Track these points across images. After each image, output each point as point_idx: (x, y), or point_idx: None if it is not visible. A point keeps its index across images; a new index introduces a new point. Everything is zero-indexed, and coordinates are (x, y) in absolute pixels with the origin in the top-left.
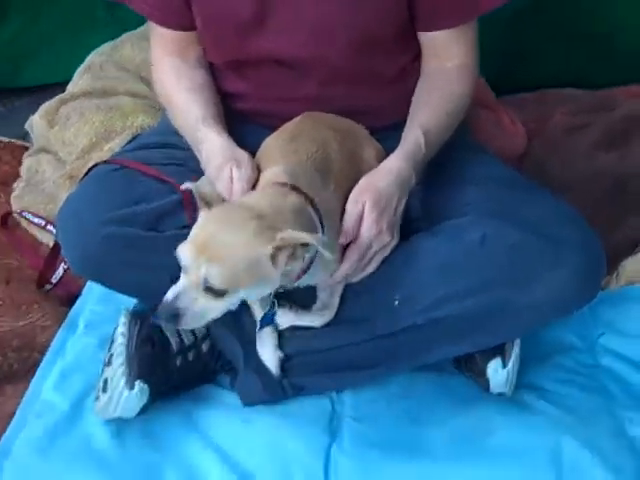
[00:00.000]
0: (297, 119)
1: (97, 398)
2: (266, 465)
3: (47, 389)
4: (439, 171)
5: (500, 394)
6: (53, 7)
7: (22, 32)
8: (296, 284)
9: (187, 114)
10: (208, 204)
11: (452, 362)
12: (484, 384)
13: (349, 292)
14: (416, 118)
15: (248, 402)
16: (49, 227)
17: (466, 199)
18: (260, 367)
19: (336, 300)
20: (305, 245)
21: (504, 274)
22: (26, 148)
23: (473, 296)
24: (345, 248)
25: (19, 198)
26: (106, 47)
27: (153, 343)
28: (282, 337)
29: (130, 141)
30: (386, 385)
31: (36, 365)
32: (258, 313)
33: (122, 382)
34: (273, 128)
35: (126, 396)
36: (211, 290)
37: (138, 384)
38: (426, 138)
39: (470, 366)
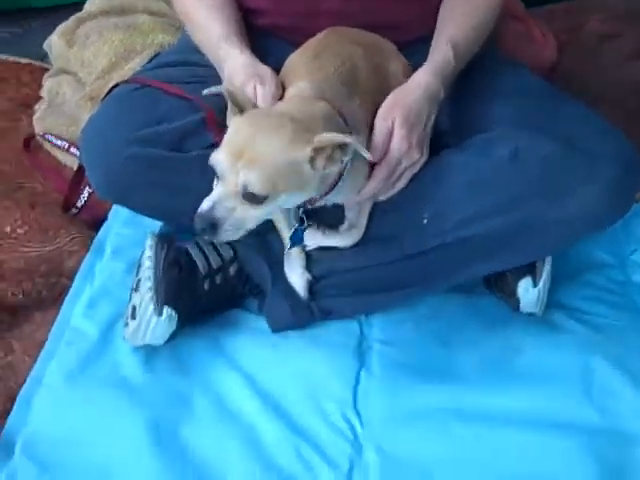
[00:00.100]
0: (321, 35)
1: (126, 325)
2: (294, 390)
3: (76, 316)
4: (468, 84)
5: (530, 314)
6: None
7: None
8: (324, 202)
9: (209, 32)
10: (239, 107)
11: (483, 282)
12: (514, 304)
13: (377, 211)
14: (443, 32)
15: (276, 328)
16: (72, 150)
17: (496, 112)
18: (288, 290)
19: (364, 220)
20: (342, 147)
21: (535, 188)
22: (46, 69)
23: (501, 214)
24: (373, 166)
25: (41, 120)
26: None
27: (180, 267)
28: (310, 259)
29: (150, 60)
30: (415, 307)
31: (64, 291)
32: (285, 234)
33: (150, 309)
34: (297, 44)
35: (155, 323)
36: (250, 197)
37: (166, 310)
38: (455, 51)
39: (501, 286)
